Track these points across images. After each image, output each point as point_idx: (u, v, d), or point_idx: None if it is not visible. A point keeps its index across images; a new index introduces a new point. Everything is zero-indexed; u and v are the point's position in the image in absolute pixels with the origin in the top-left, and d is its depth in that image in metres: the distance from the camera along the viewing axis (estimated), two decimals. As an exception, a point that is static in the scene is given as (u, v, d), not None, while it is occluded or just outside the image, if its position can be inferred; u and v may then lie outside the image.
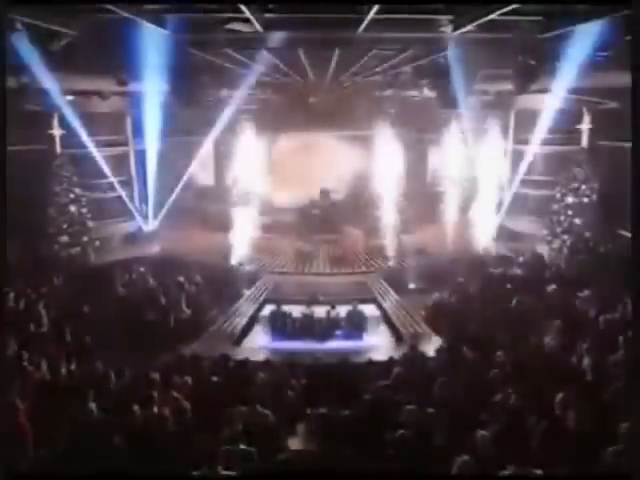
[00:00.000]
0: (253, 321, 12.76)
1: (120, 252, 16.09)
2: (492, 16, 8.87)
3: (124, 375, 7.76)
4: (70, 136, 15.15)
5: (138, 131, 17.16)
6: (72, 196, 15.31)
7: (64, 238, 15.11)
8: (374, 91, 17.09)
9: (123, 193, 17.43)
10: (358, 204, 20.52)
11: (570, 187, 15.07)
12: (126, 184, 17.70)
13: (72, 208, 15.28)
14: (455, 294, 12.62)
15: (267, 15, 9.02)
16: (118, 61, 12.13)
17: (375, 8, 8.08)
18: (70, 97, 14.43)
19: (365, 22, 9.10)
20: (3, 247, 6.18)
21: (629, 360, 5.73)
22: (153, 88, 14.38)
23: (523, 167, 17.37)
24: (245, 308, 13.33)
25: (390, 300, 13.68)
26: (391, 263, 16.11)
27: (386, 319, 12.79)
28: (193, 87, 12.70)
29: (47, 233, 15.03)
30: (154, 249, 16.64)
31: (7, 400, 5.44)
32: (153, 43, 11.34)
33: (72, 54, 10.63)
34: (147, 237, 17.31)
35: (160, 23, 9.93)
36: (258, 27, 9.12)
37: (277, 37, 10.42)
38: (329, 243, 17.73)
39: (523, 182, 17.50)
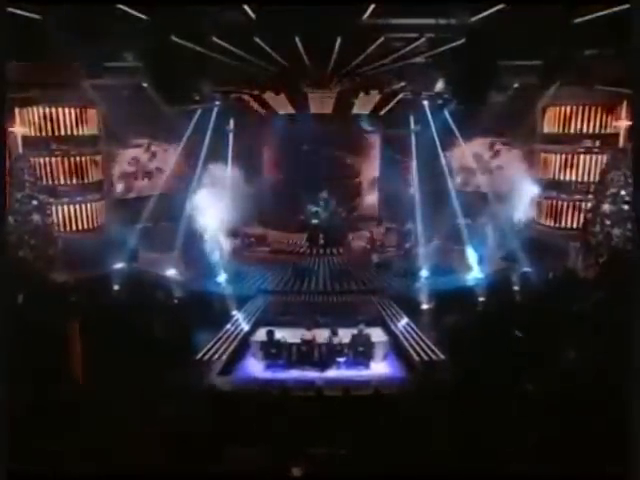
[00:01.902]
0: (243, 347, 12.78)
1: (91, 267, 16.12)
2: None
3: (95, 407, 7.78)
4: (34, 134, 15.29)
5: (112, 130, 17.31)
6: (35, 203, 15.39)
7: (26, 251, 15.18)
8: (382, 85, 17.24)
9: (95, 200, 17.53)
10: (364, 212, 20.67)
11: (607, 193, 15.12)
12: (98, 190, 17.82)
13: (35, 217, 15.36)
14: (475, 316, 12.66)
15: (260, -1, 9.21)
16: (90, 50, 12.31)
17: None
18: (35, 89, 14.60)
19: (371, 7, 9.28)
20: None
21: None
22: (130, 81, 14.55)
23: (552, 170, 17.50)
24: (234, 332, 13.35)
25: (400, 322, 13.71)
26: (402, 280, 16.16)
27: (396, 344, 12.81)
28: (176, 80, 12.85)
29: (6, 245, 15.09)
30: (130, 264, 16.67)
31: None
32: (130, 30, 11.53)
33: (37, 41, 10.79)
34: (122, 250, 17.36)
35: (139, 8, 10.12)
36: (250, 12, 9.30)
37: (271, 24, 10.59)
38: (330, 256, 17.81)
39: (552, 187, 17.59)
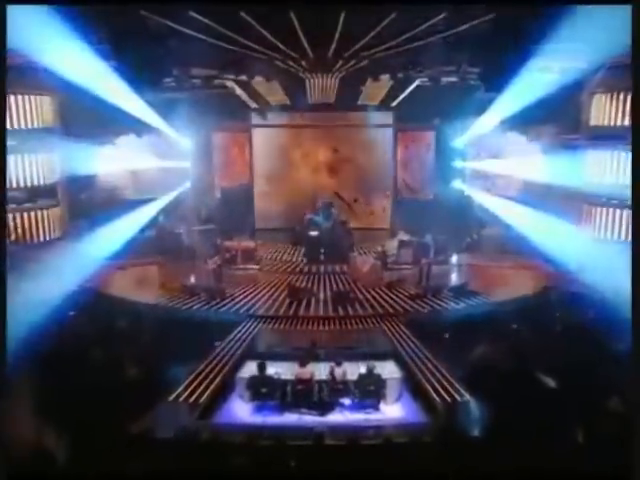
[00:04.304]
0: (227, 385, 12.80)
1: (42, 287, 16.16)
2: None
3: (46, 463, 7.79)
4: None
5: (68, 123, 17.40)
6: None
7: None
8: (394, 70, 17.41)
9: (46, 206, 17.60)
10: (372, 222, 20.74)
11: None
12: (50, 194, 17.90)
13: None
14: (507, 347, 12.68)
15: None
16: (34, 24, 12.37)
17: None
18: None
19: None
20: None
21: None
22: (90, 64, 14.69)
23: (600, 171, 17.58)
24: (216, 367, 13.38)
25: (417, 355, 13.74)
26: (418, 303, 16.21)
27: (411, 382, 12.84)
28: (147, 63, 12.97)
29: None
30: (89, 284, 16.72)
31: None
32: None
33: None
34: (79, 267, 17.41)
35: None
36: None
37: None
38: (333, 275, 17.86)
39: (601, 191, 17.63)
